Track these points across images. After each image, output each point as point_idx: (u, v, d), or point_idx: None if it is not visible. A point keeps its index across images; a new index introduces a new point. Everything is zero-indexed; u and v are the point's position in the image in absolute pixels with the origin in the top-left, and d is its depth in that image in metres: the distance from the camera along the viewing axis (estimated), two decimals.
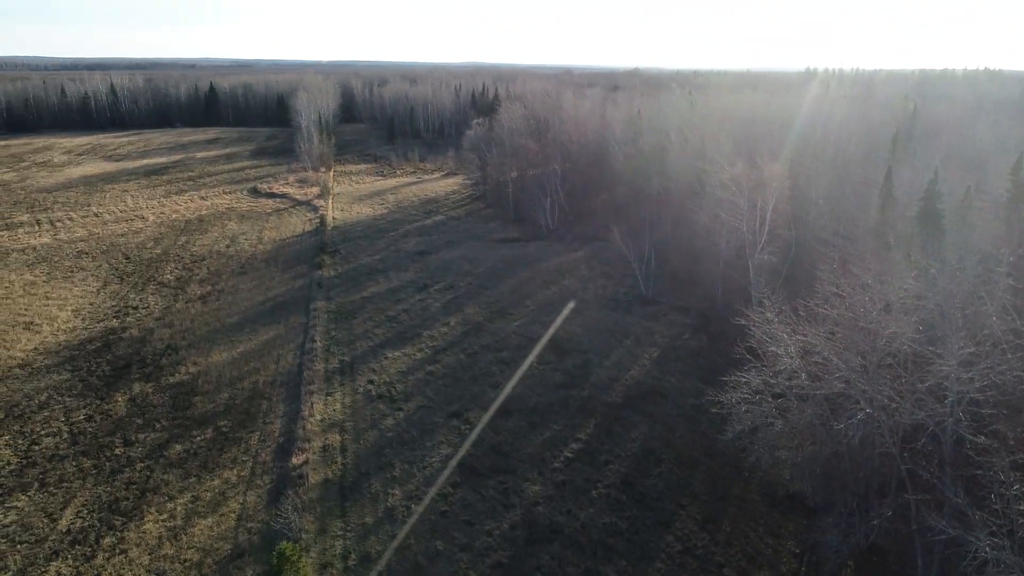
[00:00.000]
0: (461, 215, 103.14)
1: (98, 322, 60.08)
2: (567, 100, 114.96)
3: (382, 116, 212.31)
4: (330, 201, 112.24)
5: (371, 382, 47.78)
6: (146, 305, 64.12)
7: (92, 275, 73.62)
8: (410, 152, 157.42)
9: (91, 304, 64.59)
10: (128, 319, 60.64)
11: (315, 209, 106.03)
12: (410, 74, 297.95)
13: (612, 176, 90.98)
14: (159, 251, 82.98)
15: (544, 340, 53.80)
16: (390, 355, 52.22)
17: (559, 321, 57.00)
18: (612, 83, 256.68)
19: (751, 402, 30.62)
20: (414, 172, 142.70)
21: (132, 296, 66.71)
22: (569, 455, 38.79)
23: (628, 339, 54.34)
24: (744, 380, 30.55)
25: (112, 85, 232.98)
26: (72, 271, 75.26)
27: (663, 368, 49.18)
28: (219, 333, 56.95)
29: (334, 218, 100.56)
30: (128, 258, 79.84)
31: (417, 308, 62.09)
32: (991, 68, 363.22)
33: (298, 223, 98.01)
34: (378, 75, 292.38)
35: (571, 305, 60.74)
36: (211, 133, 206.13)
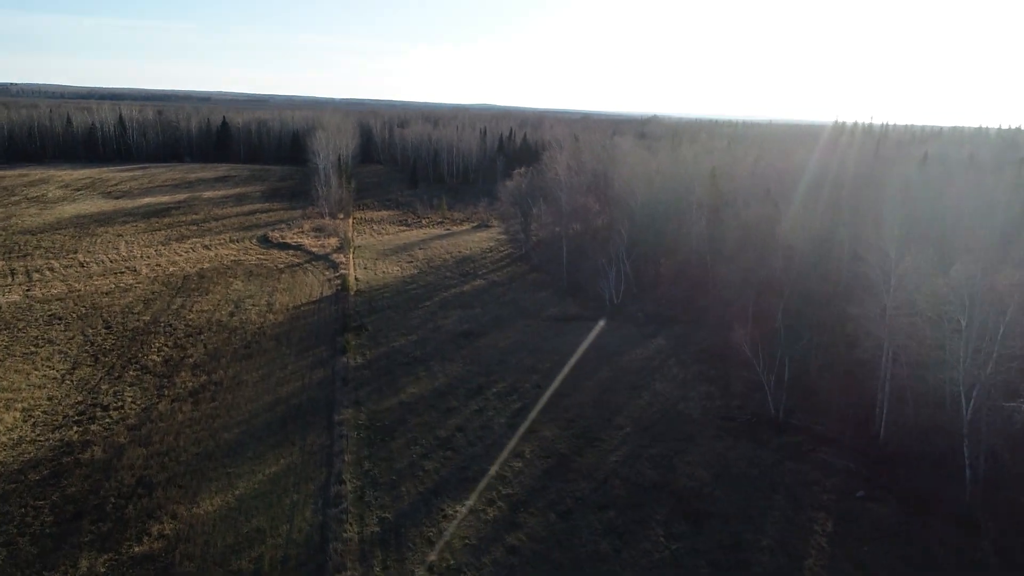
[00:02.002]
0: (503, 279, 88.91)
1: (53, 431, 45.19)
2: (626, 151, 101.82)
3: (403, 159, 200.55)
4: (351, 256, 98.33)
5: (430, 568, 32.55)
6: (120, 404, 49.28)
7: (60, 351, 59.05)
8: (436, 199, 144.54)
9: (50, 399, 49.78)
10: (93, 427, 45.71)
11: (334, 266, 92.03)
12: (428, 115, 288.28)
13: (689, 245, 76.96)
14: (148, 318, 68.58)
15: (665, 495, 38.64)
16: (449, 510, 37.09)
17: (676, 462, 41.93)
18: (635, 130, 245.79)
19: None
20: (442, 222, 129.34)
21: (104, 387, 51.94)
22: None
23: (778, 494, 39.15)
24: None
25: (121, 116, 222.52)
26: (38, 344, 60.77)
27: (852, 555, 33.88)
28: (211, 459, 41.93)
29: (357, 279, 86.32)
30: (109, 327, 65.37)
31: (475, 425, 47.09)
32: (1004, 127, 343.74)
33: (315, 284, 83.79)
34: (396, 115, 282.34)
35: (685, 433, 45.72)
36: (221, 170, 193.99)
